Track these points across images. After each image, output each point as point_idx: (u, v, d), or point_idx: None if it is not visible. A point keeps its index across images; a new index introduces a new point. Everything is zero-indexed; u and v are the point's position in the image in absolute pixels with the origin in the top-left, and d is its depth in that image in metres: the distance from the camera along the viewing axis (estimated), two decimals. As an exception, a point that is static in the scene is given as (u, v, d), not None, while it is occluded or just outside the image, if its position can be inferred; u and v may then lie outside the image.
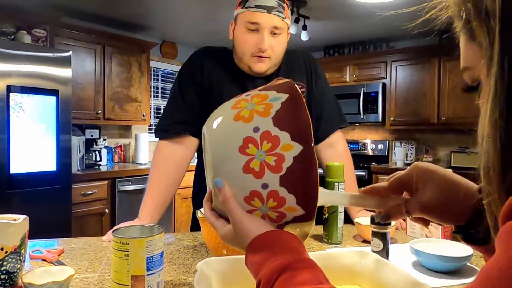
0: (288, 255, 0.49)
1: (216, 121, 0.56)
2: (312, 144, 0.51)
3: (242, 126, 0.53)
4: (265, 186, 0.52)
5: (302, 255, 0.49)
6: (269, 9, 1.16)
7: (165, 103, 5.09)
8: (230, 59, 1.31)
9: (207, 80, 1.28)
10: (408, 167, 0.59)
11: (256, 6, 1.16)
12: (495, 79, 0.35)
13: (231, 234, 0.55)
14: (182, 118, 1.29)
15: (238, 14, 1.22)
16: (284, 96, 0.54)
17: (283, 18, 1.19)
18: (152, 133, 4.64)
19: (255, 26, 1.17)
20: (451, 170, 0.56)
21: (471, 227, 0.54)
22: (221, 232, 0.57)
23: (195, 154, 1.38)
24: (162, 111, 4.83)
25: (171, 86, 5.17)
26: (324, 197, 0.61)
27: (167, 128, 1.29)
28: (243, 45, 1.20)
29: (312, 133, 0.52)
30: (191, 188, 1.48)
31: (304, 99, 0.54)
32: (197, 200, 1.39)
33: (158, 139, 1.32)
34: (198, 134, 1.29)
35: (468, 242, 0.56)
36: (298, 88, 0.56)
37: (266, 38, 1.17)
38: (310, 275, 0.46)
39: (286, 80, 0.59)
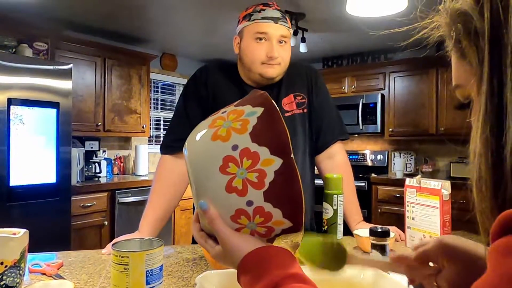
0: (279, 271, 0.49)
1: (194, 142, 0.56)
2: (292, 156, 0.51)
3: (220, 146, 0.53)
4: (249, 203, 0.52)
5: (292, 270, 0.49)
6: (275, 20, 1.23)
7: (165, 114, 5.09)
8: (234, 72, 1.34)
9: (211, 95, 1.31)
10: (434, 240, 0.60)
11: (263, 18, 1.22)
12: (485, 97, 0.36)
13: (222, 254, 0.55)
14: (186, 134, 1.29)
15: (244, 27, 1.26)
16: (259, 110, 0.54)
17: (288, 27, 1.26)
18: (151, 144, 4.66)
19: (263, 36, 1.22)
20: (474, 243, 0.56)
21: None
22: (212, 253, 0.57)
23: None
24: (162, 122, 4.87)
25: (173, 99, 5.15)
26: (359, 261, 0.63)
27: (171, 144, 1.31)
28: (252, 55, 1.24)
29: (290, 145, 0.51)
30: (191, 200, 1.48)
31: (279, 111, 0.53)
32: None
33: (161, 153, 1.34)
34: None
35: None
36: (272, 101, 0.55)
37: (275, 46, 1.22)
38: None
39: (261, 92, 0.58)
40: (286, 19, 1.26)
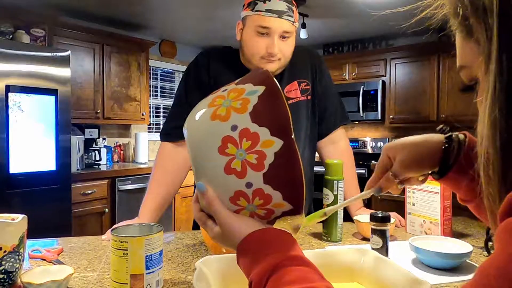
0: (278, 253, 0.48)
1: (193, 122, 0.55)
2: (293, 137, 0.50)
3: (219, 126, 0.51)
4: (249, 185, 0.51)
5: (292, 252, 0.49)
6: (279, 14, 1.16)
7: (165, 102, 5.07)
8: (236, 59, 1.31)
9: (213, 81, 1.28)
10: (382, 153, 0.70)
11: (267, 10, 1.16)
12: (494, 76, 0.34)
13: (221, 236, 0.55)
14: None
15: (247, 16, 1.21)
16: (261, 89, 0.52)
17: (292, 22, 1.20)
18: (151, 132, 4.65)
19: (265, 30, 1.17)
20: (413, 136, 0.69)
21: (444, 166, 0.63)
22: (211, 234, 0.57)
23: None
24: (161, 110, 4.85)
25: (173, 86, 5.12)
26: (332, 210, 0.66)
27: (171, 131, 1.30)
28: (252, 48, 1.21)
29: (291, 125, 0.50)
30: (192, 187, 1.48)
31: (281, 91, 0.52)
32: None
33: (161, 141, 1.32)
34: None
35: (442, 176, 0.64)
36: (274, 79, 0.53)
37: (276, 42, 1.17)
38: (300, 273, 0.46)
39: (262, 70, 0.57)
40: (293, 11, 1.20)
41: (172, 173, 1.28)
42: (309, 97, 1.33)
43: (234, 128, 0.50)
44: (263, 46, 1.19)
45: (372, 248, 0.93)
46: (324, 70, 1.39)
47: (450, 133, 0.65)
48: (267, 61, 1.21)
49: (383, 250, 0.93)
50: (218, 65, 1.30)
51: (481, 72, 0.38)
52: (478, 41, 0.37)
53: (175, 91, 1.38)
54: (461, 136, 0.64)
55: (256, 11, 1.17)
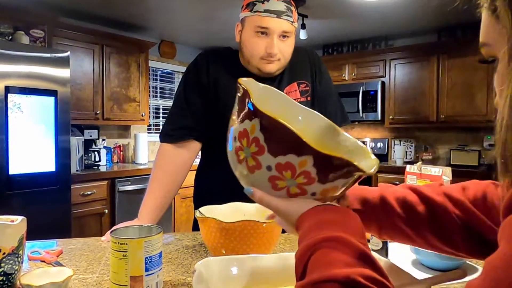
0: (336, 229, 0.47)
1: (241, 180, 0.60)
2: (312, 146, 0.50)
3: (259, 174, 0.54)
4: (313, 194, 0.55)
5: (336, 233, 0.46)
6: (278, 14, 1.16)
7: (164, 103, 5.07)
8: (235, 60, 1.31)
9: (212, 83, 1.28)
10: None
11: (266, 11, 1.16)
12: None
13: (282, 223, 0.59)
14: (185, 123, 1.29)
15: (246, 17, 1.21)
16: (256, 122, 0.52)
17: (291, 22, 1.20)
18: (151, 133, 4.64)
19: (264, 31, 1.18)
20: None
21: None
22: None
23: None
24: (161, 111, 4.85)
25: (173, 87, 5.11)
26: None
27: (171, 133, 1.30)
28: (252, 49, 1.21)
29: (303, 139, 0.50)
30: (192, 188, 1.48)
31: (271, 115, 0.51)
32: (199, 199, 1.38)
33: (161, 142, 1.32)
34: (201, 138, 1.31)
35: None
36: (258, 107, 0.52)
37: (275, 42, 1.18)
38: (329, 258, 0.43)
39: (246, 94, 0.55)
40: (292, 12, 1.20)
41: (172, 174, 1.28)
42: (308, 98, 1.33)
43: (269, 168, 0.53)
44: (262, 47, 1.19)
45: (372, 249, 0.93)
46: (323, 71, 1.38)
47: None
48: (266, 62, 1.21)
49: (383, 251, 0.93)
50: (217, 66, 1.30)
51: (500, 52, 0.38)
52: (503, 24, 0.37)
53: (175, 91, 1.37)
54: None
55: (255, 12, 1.18)
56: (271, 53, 1.18)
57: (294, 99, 1.29)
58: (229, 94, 1.25)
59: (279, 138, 0.51)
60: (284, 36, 1.19)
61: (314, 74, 1.35)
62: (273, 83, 1.27)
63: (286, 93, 1.29)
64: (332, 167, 0.51)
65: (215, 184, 1.31)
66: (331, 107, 1.38)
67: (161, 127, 4.84)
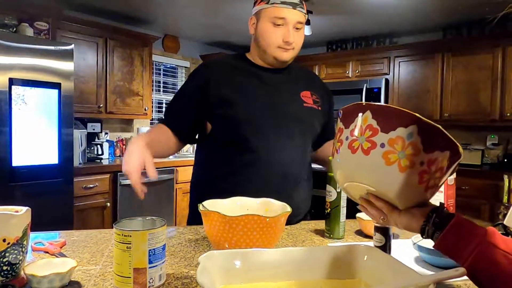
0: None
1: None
2: (416, 114, 0.65)
3: (373, 153, 0.66)
4: (422, 163, 0.66)
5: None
6: (294, 5, 1.25)
7: (167, 97, 5.07)
8: (241, 61, 1.37)
9: (213, 92, 1.30)
10: None
11: (282, 2, 1.24)
12: None
13: None
14: (177, 125, 1.36)
15: (262, 9, 1.28)
16: (367, 114, 0.68)
17: (305, 13, 1.29)
18: (153, 126, 4.64)
19: (281, 21, 1.25)
20: None
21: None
22: None
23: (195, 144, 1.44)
24: (164, 105, 4.85)
25: (176, 82, 5.09)
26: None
27: (171, 121, 1.38)
28: (269, 38, 1.27)
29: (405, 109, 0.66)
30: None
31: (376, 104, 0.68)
32: (197, 189, 1.39)
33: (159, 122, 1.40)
34: (185, 140, 1.39)
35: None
36: (364, 103, 0.69)
37: (291, 31, 1.26)
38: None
39: (357, 105, 0.71)
40: (303, 5, 1.29)
41: (168, 135, 1.34)
42: (319, 108, 1.39)
43: (382, 145, 0.66)
44: (279, 36, 1.26)
45: (375, 246, 0.93)
46: (332, 104, 1.48)
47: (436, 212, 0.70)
48: (283, 50, 1.28)
49: (386, 248, 0.93)
50: (219, 73, 1.34)
51: None
52: None
53: (182, 84, 1.45)
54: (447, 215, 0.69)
55: (271, 3, 1.25)
56: (288, 42, 1.26)
57: (309, 103, 1.35)
58: (237, 93, 1.28)
59: (388, 117, 0.66)
60: (297, 27, 1.27)
61: (324, 96, 1.43)
62: (283, 74, 1.36)
63: (302, 96, 1.36)
64: (433, 135, 0.64)
65: (216, 179, 1.30)
66: (331, 124, 1.46)
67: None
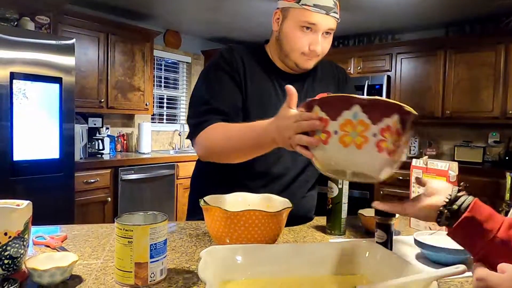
0: None
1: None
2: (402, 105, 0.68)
3: (366, 146, 0.69)
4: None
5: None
6: (327, 10, 1.10)
7: (168, 92, 5.03)
8: (263, 57, 1.24)
9: (243, 76, 1.18)
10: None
11: (315, 6, 1.09)
12: None
13: None
14: (221, 106, 1.14)
15: (290, 8, 1.13)
16: (357, 108, 0.69)
17: (337, 19, 1.14)
18: (154, 122, 4.64)
19: (310, 26, 1.11)
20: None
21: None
22: None
23: None
24: (165, 100, 4.83)
25: (177, 77, 5.02)
26: None
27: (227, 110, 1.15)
28: (294, 43, 1.14)
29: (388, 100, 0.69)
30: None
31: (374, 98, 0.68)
32: (197, 182, 1.35)
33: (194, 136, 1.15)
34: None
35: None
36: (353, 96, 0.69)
37: (320, 40, 1.12)
38: None
39: (347, 97, 0.70)
40: (337, 7, 1.14)
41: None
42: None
43: (374, 135, 0.70)
44: (306, 43, 1.12)
45: (377, 242, 0.93)
46: (349, 80, 1.38)
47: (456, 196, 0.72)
48: (307, 58, 1.15)
49: (387, 244, 0.93)
50: (245, 63, 1.20)
51: None
52: None
53: (195, 87, 1.23)
54: (467, 200, 0.70)
55: (302, 4, 1.10)
56: (314, 51, 1.13)
57: None
58: (254, 98, 1.16)
59: (332, 105, 0.71)
60: (328, 33, 1.14)
61: (338, 84, 1.33)
62: (303, 82, 1.24)
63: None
64: (375, 107, 0.68)
65: (218, 175, 1.28)
66: None
67: (165, 116, 4.84)
